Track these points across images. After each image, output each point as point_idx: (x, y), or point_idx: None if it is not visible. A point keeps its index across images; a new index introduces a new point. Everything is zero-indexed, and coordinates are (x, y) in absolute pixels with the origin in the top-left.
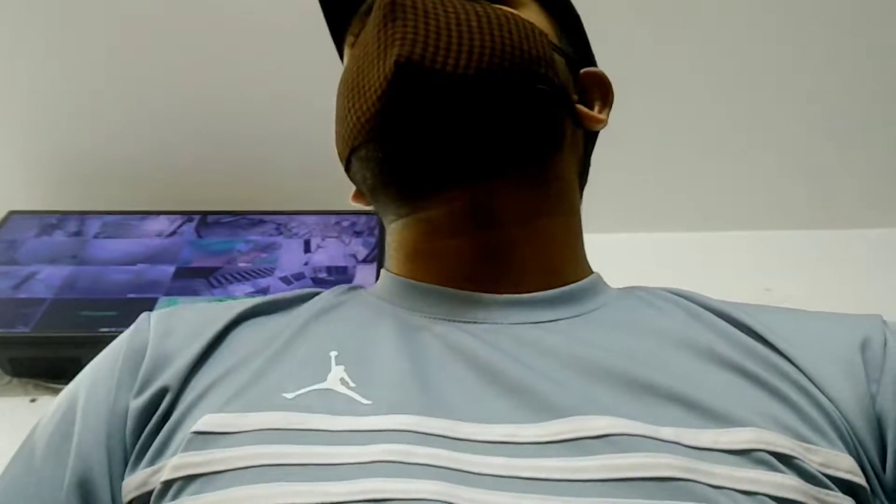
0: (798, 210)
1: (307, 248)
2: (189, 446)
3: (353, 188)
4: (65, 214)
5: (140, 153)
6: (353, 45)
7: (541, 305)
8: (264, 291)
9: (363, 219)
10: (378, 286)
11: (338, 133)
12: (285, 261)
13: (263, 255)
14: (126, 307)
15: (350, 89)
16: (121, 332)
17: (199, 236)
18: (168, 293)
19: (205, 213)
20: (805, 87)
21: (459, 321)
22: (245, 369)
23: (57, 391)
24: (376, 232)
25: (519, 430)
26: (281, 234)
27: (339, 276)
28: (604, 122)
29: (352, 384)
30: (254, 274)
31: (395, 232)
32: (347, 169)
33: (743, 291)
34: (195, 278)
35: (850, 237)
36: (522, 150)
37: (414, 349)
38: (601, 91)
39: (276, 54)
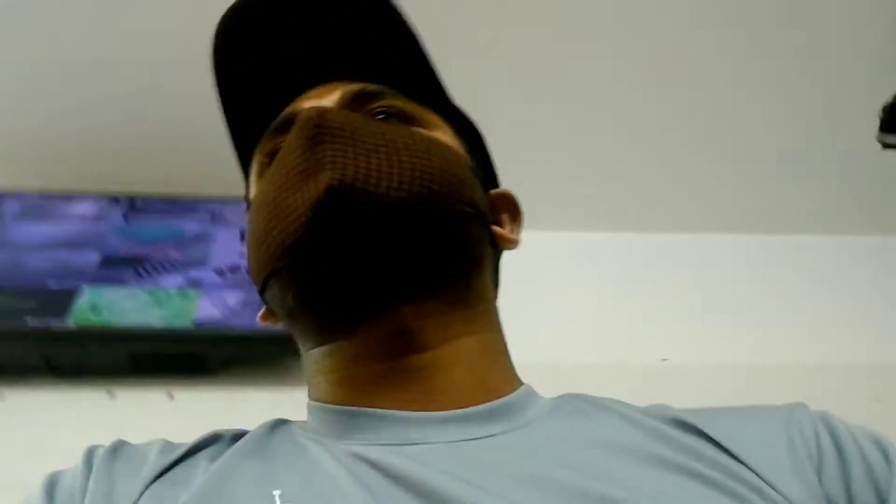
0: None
1: (244, 238)
2: None
3: (262, 308)
4: None
5: (65, 129)
6: (265, 164)
7: (476, 421)
8: (197, 284)
9: None
10: (306, 419)
11: (254, 255)
12: (220, 251)
13: (196, 245)
14: (46, 297)
15: (269, 210)
16: (41, 324)
17: (127, 222)
18: (92, 282)
19: (133, 197)
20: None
21: (396, 444)
22: None
23: None
24: None
25: None
26: (216, 222)
27: None
28: (517, 243)
29: None
30: (186, 265)
31: (315, 360)
32: (262, 291)
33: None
34: (122, 267)
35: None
36: (448, 273)
37: (359, 484)
38: (510, 211)
39: (213, 25)
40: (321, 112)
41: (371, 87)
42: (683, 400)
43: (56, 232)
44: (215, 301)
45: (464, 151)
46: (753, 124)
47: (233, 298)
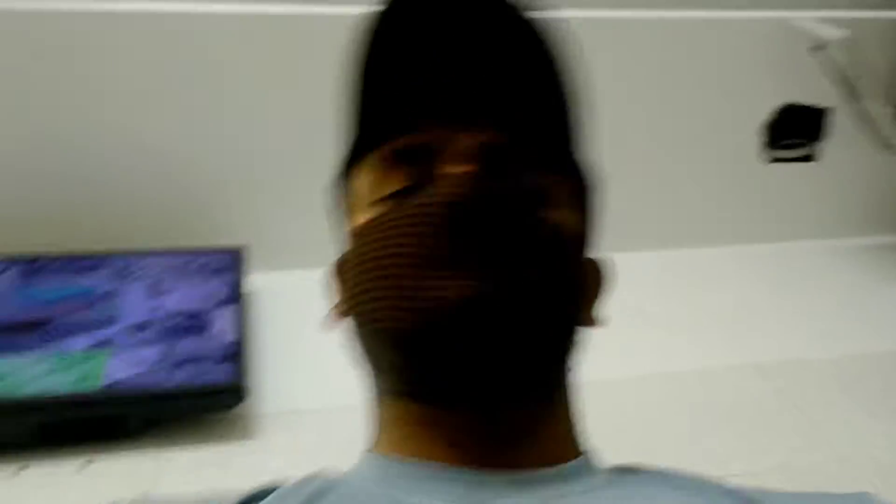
0: (653, 231)
1: (155, 293)
2: None
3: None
4: None
5: None
6: (383, 188)
7: (544, 483)
8: (107, 343)
9: (218, 257)
10: (363, 470)
11: (354, 287)
12: (130, 308)
13: (103, 303)
14: None
15: (384, 271)
16: None
17: (26, 284)
18: None
19: (31, 258)
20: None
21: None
22: None
23: None
24: (234, 270)
25: None
26: (123, 277)
27: (194, 321)
28: (599, 324)
29: None
30: (93, 325)
31: (391, 406)
32: (351, 309)
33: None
34: (22, 333)
35: (702, 255)
36: (553, 372)
37: None
38: (597, 284)
39: (110, 78)
40: (467, 193)
41: (511, 147)
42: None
43: None
44: (127, 360)
45: (582, 226)
46: (649, 144)
47: (147, 356)
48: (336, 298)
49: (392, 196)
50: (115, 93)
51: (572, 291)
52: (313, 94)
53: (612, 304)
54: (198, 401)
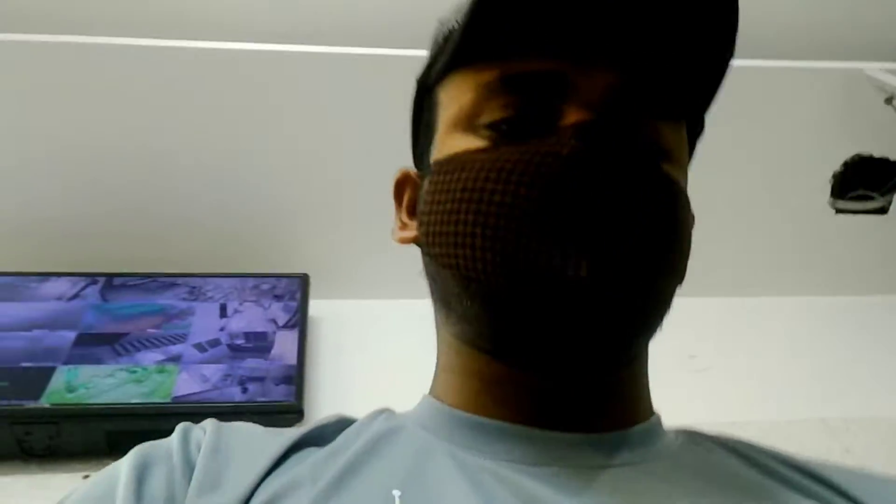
0: (720, 278)
1: (223, 313)
2: None
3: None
4: None
5: (40, 210)
6: (482, 116)
7: (613, 446)
8: (176, 359)
9: (283, 282)
10: (424, 417)
11: (446, 222)
12: (199, 327)
13: (175, 321)
14: (20, 377)
15: (487, 213)
16: (13, 404)
17: (105, 300)
18: (68, 361)
19: (111, 275)
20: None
21: (527, 464)
22: (297, 500)
23: None
24: (298, 296)
25: None
26: (194, 298)
27: (257, 342)
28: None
29: None
30: (165, 341)
31: (457, 352)
32: (429, 245)
33: (666, 357)
34: (99, 345)
35: (770, 304)
36: (641, 342)
37: (483, 496)
38: (690, 241)
39: (188, 110)
40: (588, 152)
41: (637, 90)
42: None
43: (30, 312)
44: (194, 375)
45: (686, 165)
46: (714, 196)
47: (212, 372)
48: (401, 215)
49: (494, 126)
50: (201, 134)
51: (681, 260)
52: (380, 128)
53: (672, 351)
54: (256, 419)
